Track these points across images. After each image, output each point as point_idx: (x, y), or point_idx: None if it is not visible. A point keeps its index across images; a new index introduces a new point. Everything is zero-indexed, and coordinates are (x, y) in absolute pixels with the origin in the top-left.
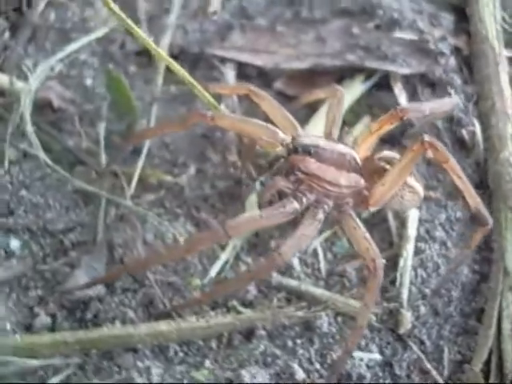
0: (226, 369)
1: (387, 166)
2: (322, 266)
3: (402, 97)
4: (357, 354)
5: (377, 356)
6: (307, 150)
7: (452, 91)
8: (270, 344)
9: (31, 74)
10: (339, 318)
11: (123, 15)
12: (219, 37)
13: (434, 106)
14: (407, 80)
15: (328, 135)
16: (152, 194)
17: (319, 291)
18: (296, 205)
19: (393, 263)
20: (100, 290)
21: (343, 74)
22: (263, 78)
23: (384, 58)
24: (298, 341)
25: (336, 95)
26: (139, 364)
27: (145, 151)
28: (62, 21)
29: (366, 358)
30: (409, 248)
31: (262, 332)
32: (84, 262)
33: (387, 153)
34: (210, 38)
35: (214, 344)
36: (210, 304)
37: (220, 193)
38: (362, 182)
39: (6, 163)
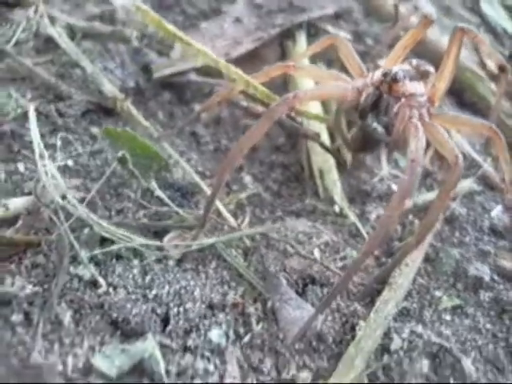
0: None
1: (427, 68)
2: None
3: (341, 32)
4: None
5: None
6: (402, 75)
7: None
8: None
9: None
10: (457, 200)
11: None
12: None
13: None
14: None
15: (362, 73)
16: (245, 216)
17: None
18: (419, 122)
19: None
20: None
21: (281, 40)
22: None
23: (303, 11)
24: (457, 233)
25: (338, 41)
26: None
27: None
28: None
29: None
30: None
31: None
32: None
33: (412, 60)
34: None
35: None
36: None
37: (288, 178)
38: None
39: None
